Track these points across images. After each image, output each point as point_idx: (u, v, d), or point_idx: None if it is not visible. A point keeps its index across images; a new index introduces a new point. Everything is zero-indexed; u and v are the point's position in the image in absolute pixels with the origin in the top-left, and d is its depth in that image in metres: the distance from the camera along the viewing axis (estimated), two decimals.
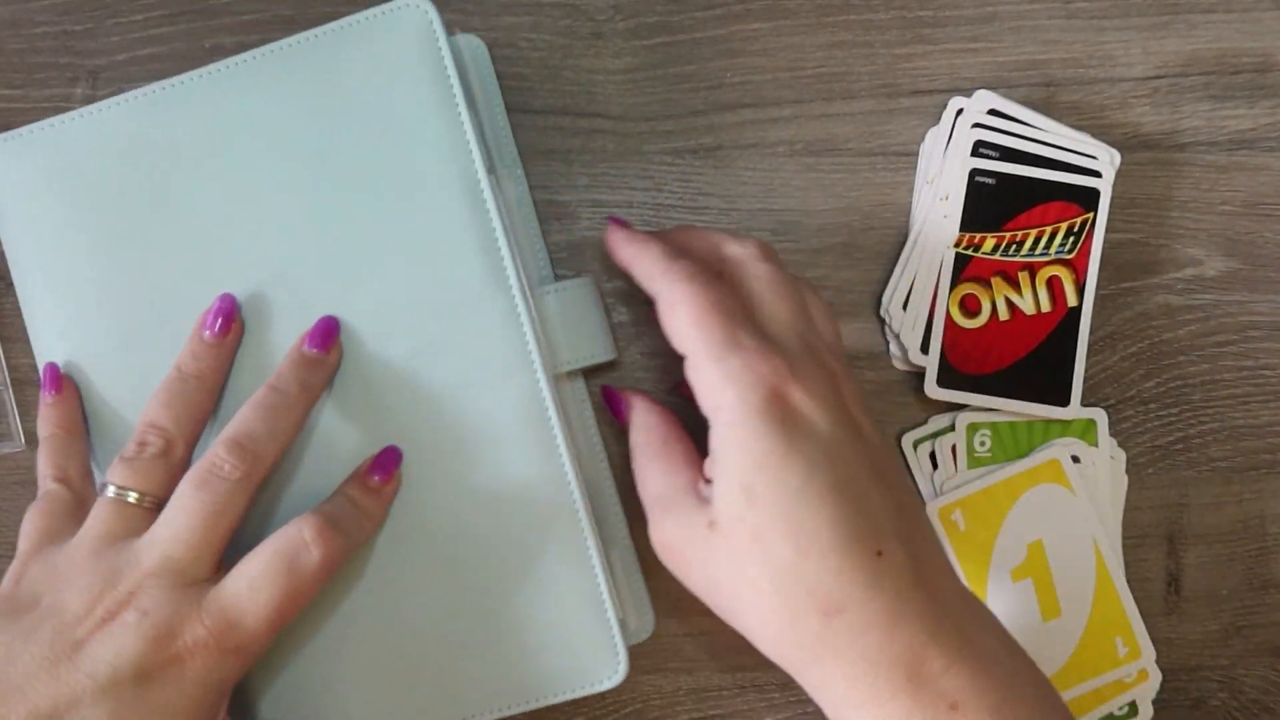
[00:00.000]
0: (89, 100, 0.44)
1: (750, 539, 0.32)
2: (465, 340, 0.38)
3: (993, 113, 0.42)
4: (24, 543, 0.37)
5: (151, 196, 0.39)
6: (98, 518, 0.35)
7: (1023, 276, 0.42)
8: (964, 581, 0.35)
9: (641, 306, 0.43)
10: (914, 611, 0.31)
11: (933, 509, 0.42)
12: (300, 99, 0.39)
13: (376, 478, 0.37)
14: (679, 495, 0.34)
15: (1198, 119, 0.44)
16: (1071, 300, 0.42)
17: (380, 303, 0.38)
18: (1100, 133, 0.43)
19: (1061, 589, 0.42)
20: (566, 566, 0.38)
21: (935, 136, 0.43)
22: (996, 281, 0.42)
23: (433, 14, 0.39)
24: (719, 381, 0.33)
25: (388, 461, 0.38)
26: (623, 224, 0.39)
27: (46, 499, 0.38)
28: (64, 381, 0.39)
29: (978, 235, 0.42)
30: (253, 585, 0.34)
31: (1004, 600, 0.42)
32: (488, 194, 0.38)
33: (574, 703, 0.43)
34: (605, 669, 0.38)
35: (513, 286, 0.38)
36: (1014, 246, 0.42)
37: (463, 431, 0.38)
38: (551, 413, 0.38)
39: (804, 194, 0.44)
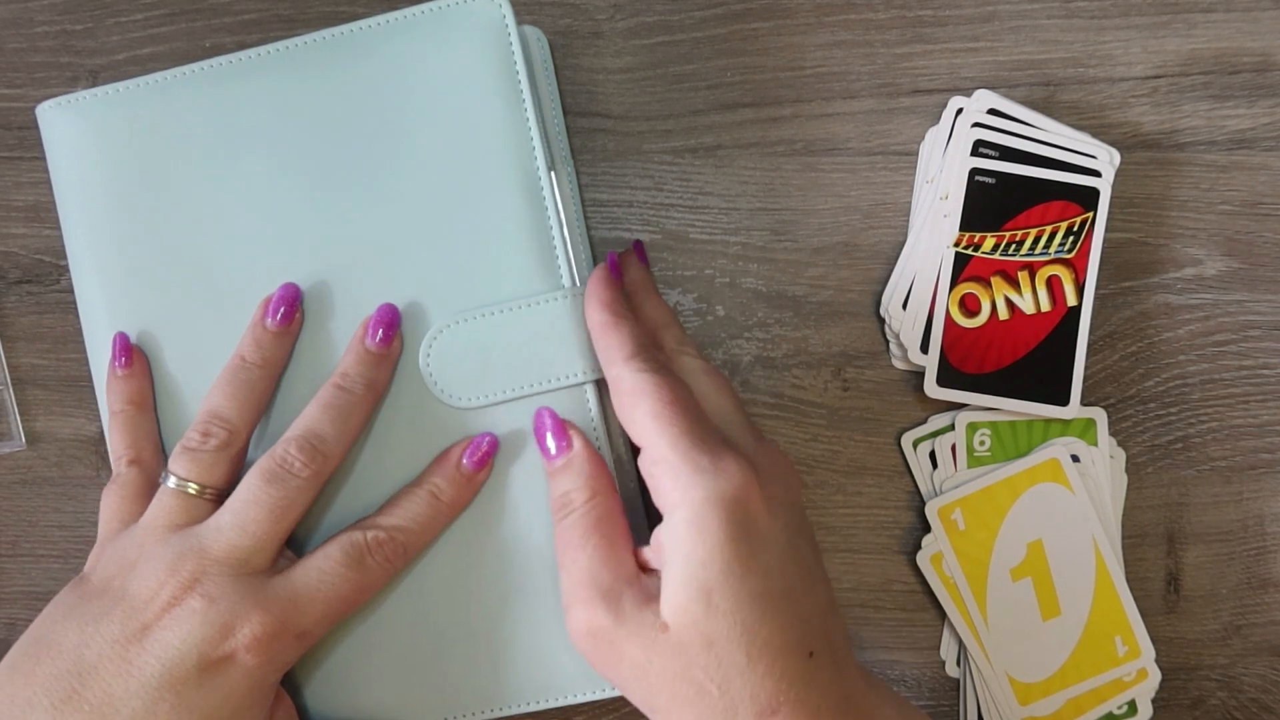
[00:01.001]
0: None
1: (703, 645, 0.32)
2: (513, 338, 0.38)
3: (992, 112, 0.42)
4: (102, 528, 0.38)
5: (208, 171, 0.39)
6: (161, 506, 0.36)
7: (1022, 276, 0.42)
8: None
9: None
10: (831, 705, 0.32)
11: (933, 508, 0.42)
12: (367, 83, 0.39)
13: (469, 464, 0.37)
14: (623, 586, 0.33)
15: (1197, 119, 0.44)
16: (1071, 300, 0.42)
17: (430, 294, 0.38)
18: (1100, 132, 0.43)
19: (1061, 588, 0.42)
20: None
21: (935, 136, 0.43)
22: (996, 281, 0.42)
23: (506, 8, 0.38)
24: (688, 479, 0.32)
25: (483, 448, 0.37)
26: (612, 277, 0.38)
27: (120, 483, 0.38)
28: (134, 353, 0.39)
29: (977, 235, 0.42)
30: (320, 578, 0.35)
31: (1003, 600, 0.42)
32: (547, 191, 0.38)
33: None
34: None
35: (565, 286, 0.38)
36: (1014, 246, 0.42)
37: (513, 435, 0.38)
38: (596, 420, 0.38)
39: (804, 194, 0.44)
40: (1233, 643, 0.43)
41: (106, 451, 0.44)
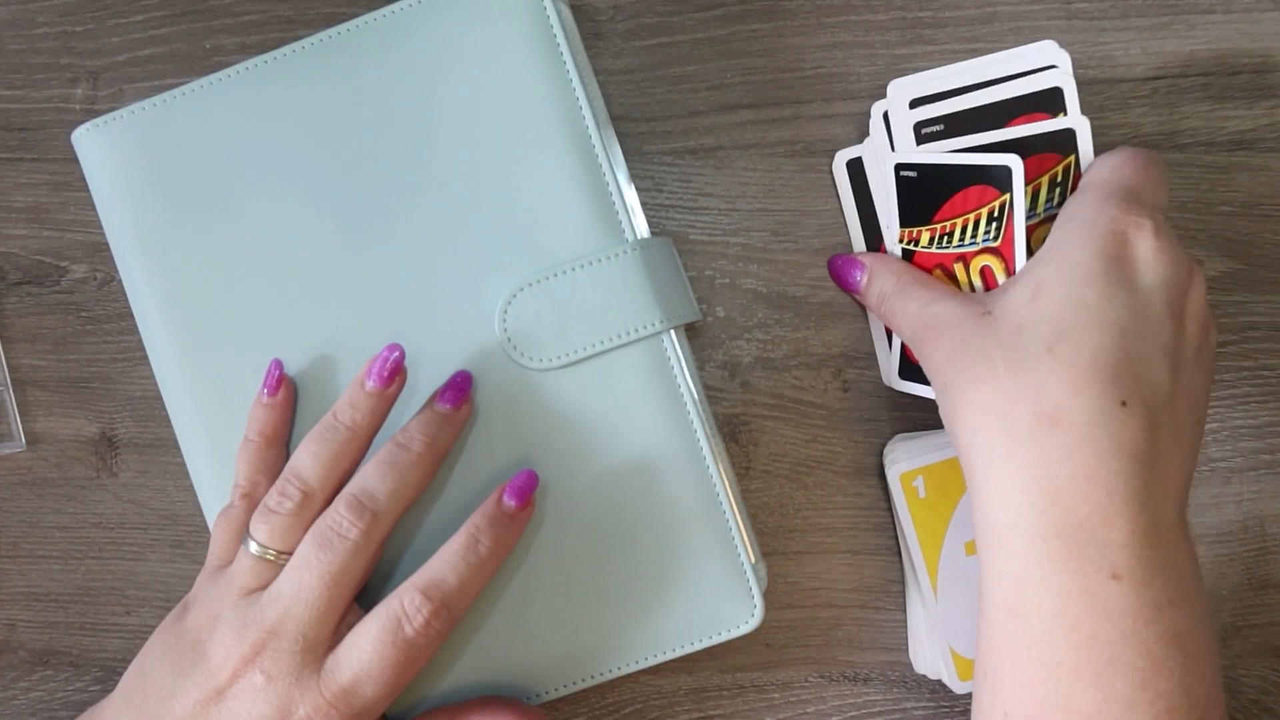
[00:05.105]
0: (89, 100, 0.44)
1: (1013, 328, 0.34)
2: (588, 295, 0.38)
3: (916, 102, 0.42)
4: (209, 556, 0.38)
5: (257, 177, 0.39)
6: (239, 568, 0.36)
7: (958, 268, 0.41)
8: (1185, 517, 0.35)
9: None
10: (1123, 475, 0.32)
11: (895, 475, 0.42)
12: (405, 68, 0.39)
13: (513, 503, 0.37)
14: (952, 293, 0.38)
15: (1197, 119, 0.44)
16: None
17: (498, 264, 0.39)
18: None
19: None
20: (701, 518, 0.39)
21: (870, 146, 0.43)
22: (938, 275, 0.41)
23: None
24: (1091, 202, 0.35)
25: (524, 487, 0.37)
26: None
27: (229, 515, 0.38)
28: (283, 384, 0.39)
29: (915, 230, 0.41)
30: (365, 659, 0.34)
31: (955, 572, 0.41)
32: (599, 149, 0.39)
33: (574, 700, 0.43)
34: (742, 613, 0.39)
35: (628, 239, 0.39)
36: (945, 238, 0.41)
37: (595, 392, 0.39)
38: (675, 366, 0.39)
39: (804, 195, 0.44)
40: (1233, 643, 0.43)
41: (106, 452, 0.44)
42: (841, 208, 0.43)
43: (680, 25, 0.44)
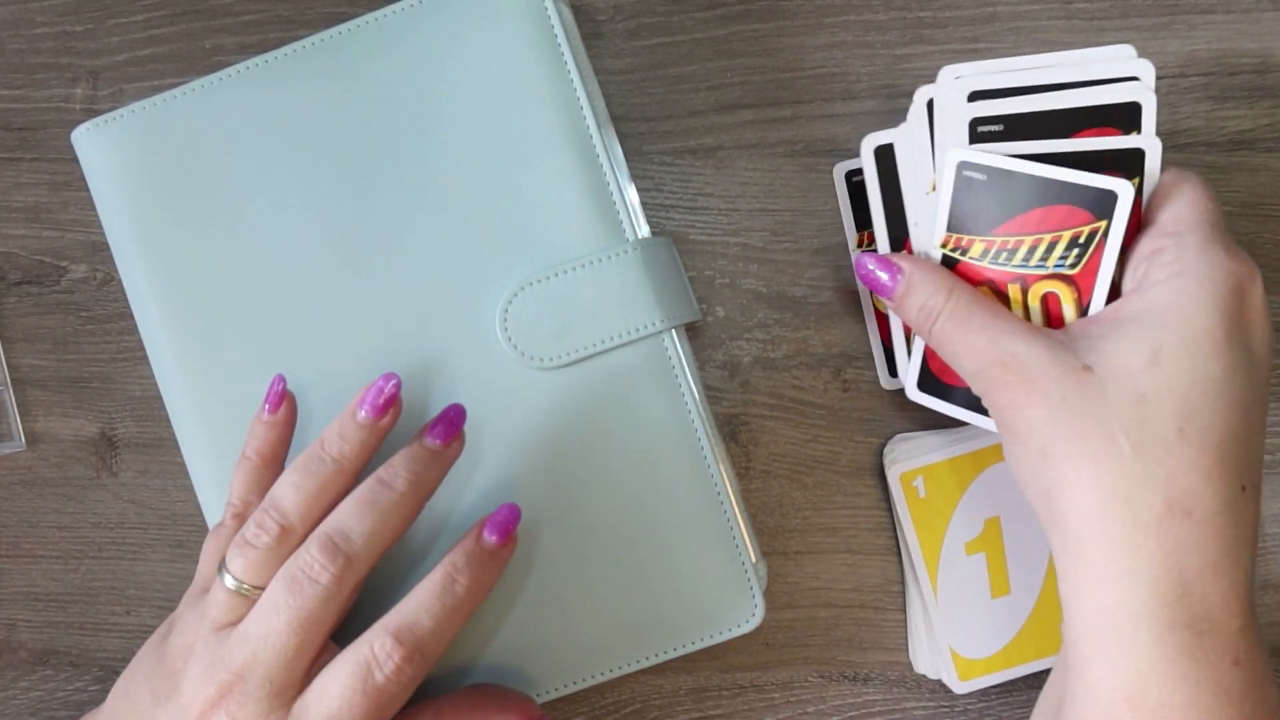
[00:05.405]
0: (89, 100, 0.44)
1: (1133, 398, 0.31)
2: (588, 295, 0.39)
3: (975, 95, 0.38)
4: (197, 573, 0.37)
5: (258, 176, 0.39)
6: (215, 601, 0.35)
7: (1013, 290, 0.36)
8: None
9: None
10: (1242, 563, 0.32)
11: (895, 475, 0.42)
12: (406, 69, 0.39)
13: (494, 539, 0.36)
14: (1026, 329, 0.33)
15: (1197, 119, 0.44)
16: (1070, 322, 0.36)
17: (499, 264, 0.39)
18: None
19: (1014, 568, 0.42)
20: (701, 518, 0.39)
21: (908, 134, 0.40)
22: (984, 291, 0.36)
23: None
24: (1197, 250, 0.33)
25: (506, 522, 0.36)
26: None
27: (219, 534, 0.37)
28: (285, 401, 0.37)
29: (965, 238, 0.37)
30: (334, 706, 0.33)
31: (955, 571, 0.42)
32: (600, 149, 0.39)
33: (574, 700, 0.43)
34: (743, 613, 0.39)
35: (629, 239, 0.39)
36: (1004, 254, 0.36)
37: (595, 392, 0.39)
38: (676, 364, 0.39)
39: (804, 194, 0.44)
40: None
41: (106, 452, 0.44)
42: (866, 197, 0.41)
43: (680, 25, 0.44)
